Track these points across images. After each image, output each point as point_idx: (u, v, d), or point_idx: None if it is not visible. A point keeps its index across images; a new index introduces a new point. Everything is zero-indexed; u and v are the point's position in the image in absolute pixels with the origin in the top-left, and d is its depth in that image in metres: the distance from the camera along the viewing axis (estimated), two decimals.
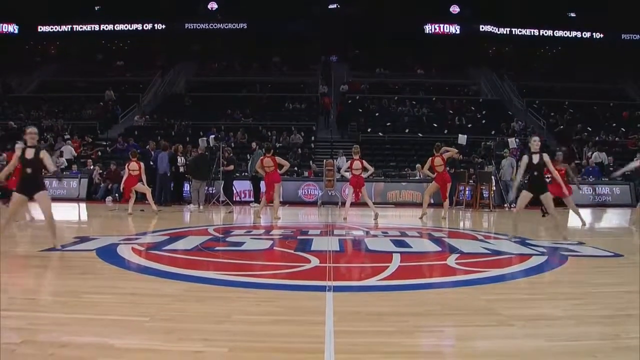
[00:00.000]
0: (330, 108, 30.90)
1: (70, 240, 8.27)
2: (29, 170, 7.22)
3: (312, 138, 27.16)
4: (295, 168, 22.28)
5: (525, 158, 9.16)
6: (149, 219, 12.68)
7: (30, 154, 7.20)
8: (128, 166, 13.96)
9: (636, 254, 7.56)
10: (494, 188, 17.80)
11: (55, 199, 15.71)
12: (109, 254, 6.97)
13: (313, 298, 4.83)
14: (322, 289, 5.04)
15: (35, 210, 11.42)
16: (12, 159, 11.59)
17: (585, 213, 17.17)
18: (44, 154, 7.28)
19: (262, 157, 12.99)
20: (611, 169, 21.90)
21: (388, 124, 28.27)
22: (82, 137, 25.68)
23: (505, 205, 18.06)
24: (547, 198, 9.12)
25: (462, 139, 16.41)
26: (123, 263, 6.41)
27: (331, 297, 4.69)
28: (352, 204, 13.48)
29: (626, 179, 20.57)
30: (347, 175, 12.99)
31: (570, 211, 12.75)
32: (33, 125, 8.17)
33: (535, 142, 9.16)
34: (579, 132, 27.00)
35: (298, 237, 9.19)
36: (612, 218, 15.95)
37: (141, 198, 15.04)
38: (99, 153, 24.11)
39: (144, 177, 14.11)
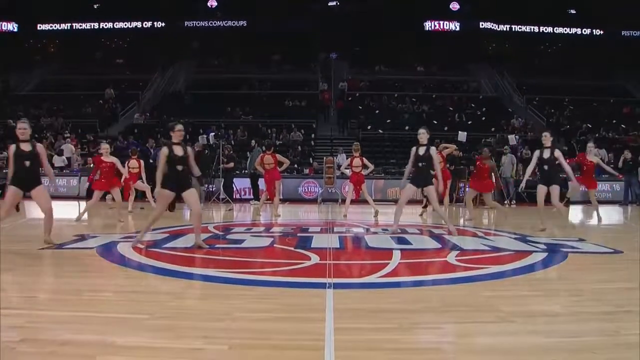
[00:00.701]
0: (329, 103, 30.92)
1: (70, 238, 8.27)
2: (180, 168, 7.33)
3: (312, 135, 27.15)
4: (295, 165, 22.28)
5: (413, 149, 9.17)
6: (149, 217, 12.66)
7: (180, 151, 7.33)
8: (128, 164, 13.98)
9: (636, 250, 7.56)
10: None
11: (55, 197, 15.73)
12: (109, 251, 6.98)
13: (313, 295, 4.83)
14: (322, 286, 5.04)
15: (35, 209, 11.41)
16: (98, 160, 11.91)
17: (584, 210, 17.18)
18: (190, 151, 7.53)
19: (262, 154, 12.99)
20: (611, 165, 21.88)
21: (388, 121, 28.26)
22: (82, 135, 25.67)
23: (506, 202, 18.05)
24: (430, 191, 9.17)
25: (462, 136, 16.42)
26: (123, 261, 6.42)
27: (331, 294, 4.69)
28: (352, 202, 13.48)
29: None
30: (347, 172, 12.99)
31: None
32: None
33: (422, 135, 9.16)
34: (579, 129, 27.01)
35: (298, 235, 9.21)
36: (612, 215, 15.94)
37: (141, 196, 15.03)
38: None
39: (144, 175, 14.13)
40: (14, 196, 7.27)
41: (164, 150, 7.37)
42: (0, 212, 7.42)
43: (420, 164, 9.05)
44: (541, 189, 9.99)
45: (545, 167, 9.84)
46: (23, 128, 7.26)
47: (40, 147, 7.49)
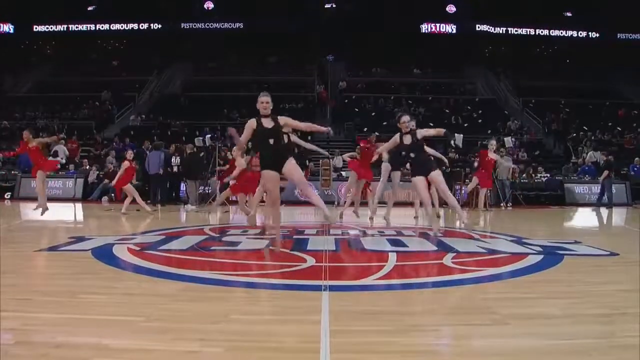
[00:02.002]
0: (326, 100, 31.00)
1: (65, 240, 8.25)
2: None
3: (309, 137, 27.12)
4: None
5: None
6: (145, 219, 12.66)
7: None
8: (123, 166, 13.97)
9: (632, 252, 7.56)
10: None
11: (51, 199, 15.71)
12: (104, 254, 6.95)
13: (309, 297, 4.82)
14: (318, 288, 5.03)
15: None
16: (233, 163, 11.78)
17: (581, 212, 17.25)
18: None
19: (252, 156, 12.93)
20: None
21: (384, 123, 28.25)
22: (81, 137, 25.63)
23: (502, 204, 18.09)
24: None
25: (458, 138, 16.39)
26: (118, 263, 6.39)
27: (327, 297, 4.68)
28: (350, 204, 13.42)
29: (622, 178, 20.71)
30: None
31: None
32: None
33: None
34: (578, 131, 27.16)
35: (294, 237, 9.18)
36: (608, 217, 15.98)
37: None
38: (107, 151, 23.74)
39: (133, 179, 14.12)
40: (273, 180, 6.84)
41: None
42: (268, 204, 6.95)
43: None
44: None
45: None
46: (266, 101, 6.74)
47: (283, 120, 6.88)
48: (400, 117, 8.92)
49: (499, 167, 18.43)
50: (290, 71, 36.01)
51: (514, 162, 20.24)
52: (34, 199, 18.61)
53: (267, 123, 6.74)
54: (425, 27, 37.59)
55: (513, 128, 27.54)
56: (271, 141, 6.71)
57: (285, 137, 7.85)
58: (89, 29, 37.87)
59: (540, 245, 7.89)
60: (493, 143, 13.17)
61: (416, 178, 8.98)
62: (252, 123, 6.77)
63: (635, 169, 20.89)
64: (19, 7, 35.22)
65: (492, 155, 12.53)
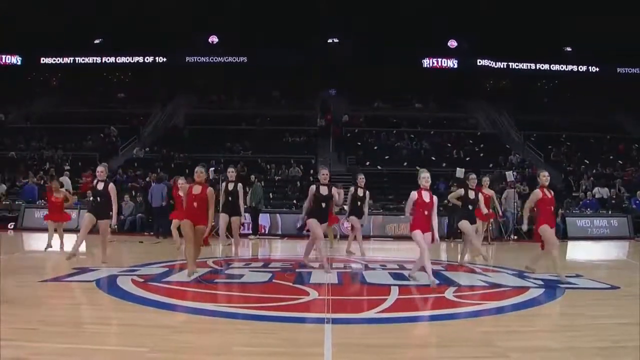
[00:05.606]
0: (330, 122, 31.44)
1: (69, 271, 8.28)
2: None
3: (311, 171, 27.22)
4: (294, 201, 22.33)
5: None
6: (148, 251, 12.67)
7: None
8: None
9: (633, 286, 7.57)
10: (491, 221, 17.81)
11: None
12: (108, 285, 6.99)
13: (312, 330, 4.86)
14: (320, 321, 5.06)
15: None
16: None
17: (583, 245, 17.21)
18: None
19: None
20: (613, 201, 22.01)
21: (386, 157, 28.38)
22: (85, 169, 25.72)
23: (505, 236, 18.08)
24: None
25: (460, 172, 16.52)
26: (122, 294, 6.42)
27: (329, 330, 4.71)
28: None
29: (623, 211, 20.73)
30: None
31: None
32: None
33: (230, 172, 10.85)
34: (580, 165, 27.27)
35: (297, 270, 9.20)
36: (609, 250, 15.95)
37: (140, 229, 15.01)
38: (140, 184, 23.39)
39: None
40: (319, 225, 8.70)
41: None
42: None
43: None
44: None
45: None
46: (326, 174, 8.93)
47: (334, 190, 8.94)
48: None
49: (506, 200, 18.51)
50: (293, 105, 36.26)
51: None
52: (36, 229, 18.68)
53: (324, 190, 8.63)
54: (427, 62, 37.92)
55: (514, 162, 27.61)
56: (323, 205, 8.63)
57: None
58: (94, 61, 38.31)
59: (541, 279, 7.90)
60: (486, 179, 13.25)
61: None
62: (312, 189, 8.73)
63: (637, 202, 20.92)
64: (27, 39, 35.70)
65: (485, 190, 12.56)
